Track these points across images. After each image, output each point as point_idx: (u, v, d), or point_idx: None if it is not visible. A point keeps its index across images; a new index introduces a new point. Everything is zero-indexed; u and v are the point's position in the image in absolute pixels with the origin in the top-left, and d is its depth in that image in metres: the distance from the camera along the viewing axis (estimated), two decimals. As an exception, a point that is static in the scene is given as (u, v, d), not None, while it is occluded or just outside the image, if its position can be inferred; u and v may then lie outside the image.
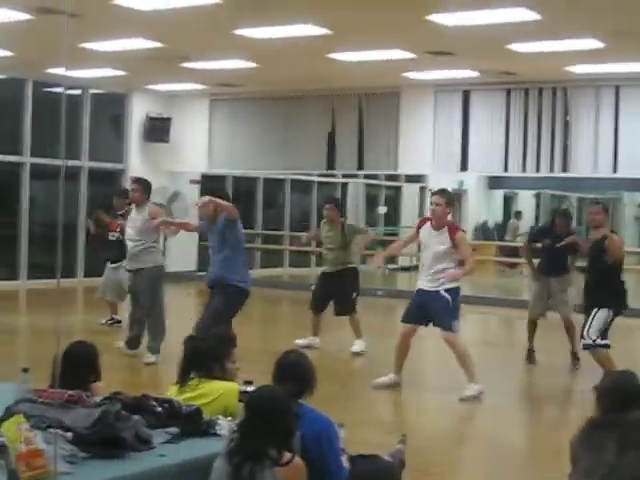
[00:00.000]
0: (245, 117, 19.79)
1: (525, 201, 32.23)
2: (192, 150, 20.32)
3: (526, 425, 8.75)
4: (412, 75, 16.22)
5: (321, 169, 19.32)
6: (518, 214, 29.26)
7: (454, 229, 9.37)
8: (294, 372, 5.05)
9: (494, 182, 28.97)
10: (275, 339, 9.61)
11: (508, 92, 16.76)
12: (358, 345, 11.79)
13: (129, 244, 10.93)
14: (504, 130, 16.81)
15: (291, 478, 4.39)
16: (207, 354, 5.55)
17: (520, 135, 16.69)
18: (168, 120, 20.20)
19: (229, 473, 4.35)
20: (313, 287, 12.23)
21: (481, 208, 30.59)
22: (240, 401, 5.12)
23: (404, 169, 19.49)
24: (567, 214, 12.15)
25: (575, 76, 15.50)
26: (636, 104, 15.66)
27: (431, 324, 9.42)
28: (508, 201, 32.28)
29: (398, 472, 5.86)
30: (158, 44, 13.72)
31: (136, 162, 20.06)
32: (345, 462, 5.04)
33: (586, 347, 9.58)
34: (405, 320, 9.57)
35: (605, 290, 9.52)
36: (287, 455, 4.38)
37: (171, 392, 5.48)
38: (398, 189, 27.26)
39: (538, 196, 32.68)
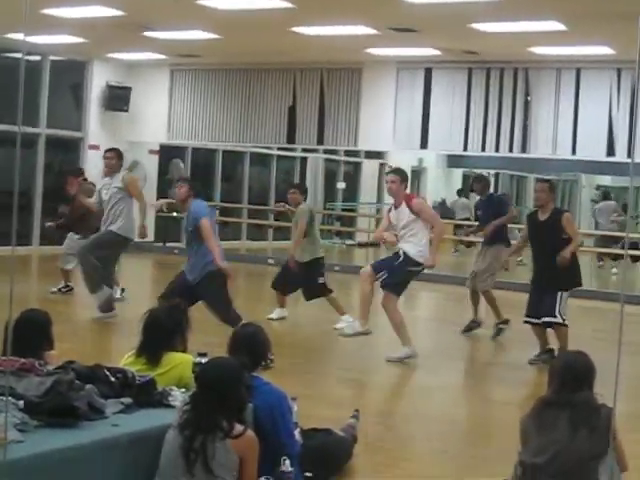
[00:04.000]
0: (206, 88, 19.69)
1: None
2: (151, 120, 20.16)
3: (478, 402, 8.81)
4: (375, 51, 16.19)
5: (281, 143, 19.27)
6: (460, 192, 28.38)
7: (409, 199, 9.65)
8: (248, 344, 5.06)
9: (453, 161, 28.96)
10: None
11: (470, 71, 16.78)
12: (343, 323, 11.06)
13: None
14: (465, 109, 16.83)
15: (243, 450, 4.40)
16: (172, 327, 5.53)
17: (480, 115, 16.72)
18: (128, 89, 20.03)
19: (181, 445, 4.35)
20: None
21: (440, 186, 30.65)
22: (194, 372, 5.12)
23: (364, 145, 19.50)
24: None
25: (537, 57, 15.55)
26: (596, 87, 15.73)
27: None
28: (467, 180, 32.36)
29: (350, 447, 5.90)
30: (120, 12, 13.57)
31: (95, 130, 19.88)
32: (297, 435, 5.06)
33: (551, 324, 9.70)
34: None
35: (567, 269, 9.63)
36: (239, 427, 4.39)
37: (126, 362, 5.46)
38: (358, 165, 27.26)
39: (497, 176, 32.79)
